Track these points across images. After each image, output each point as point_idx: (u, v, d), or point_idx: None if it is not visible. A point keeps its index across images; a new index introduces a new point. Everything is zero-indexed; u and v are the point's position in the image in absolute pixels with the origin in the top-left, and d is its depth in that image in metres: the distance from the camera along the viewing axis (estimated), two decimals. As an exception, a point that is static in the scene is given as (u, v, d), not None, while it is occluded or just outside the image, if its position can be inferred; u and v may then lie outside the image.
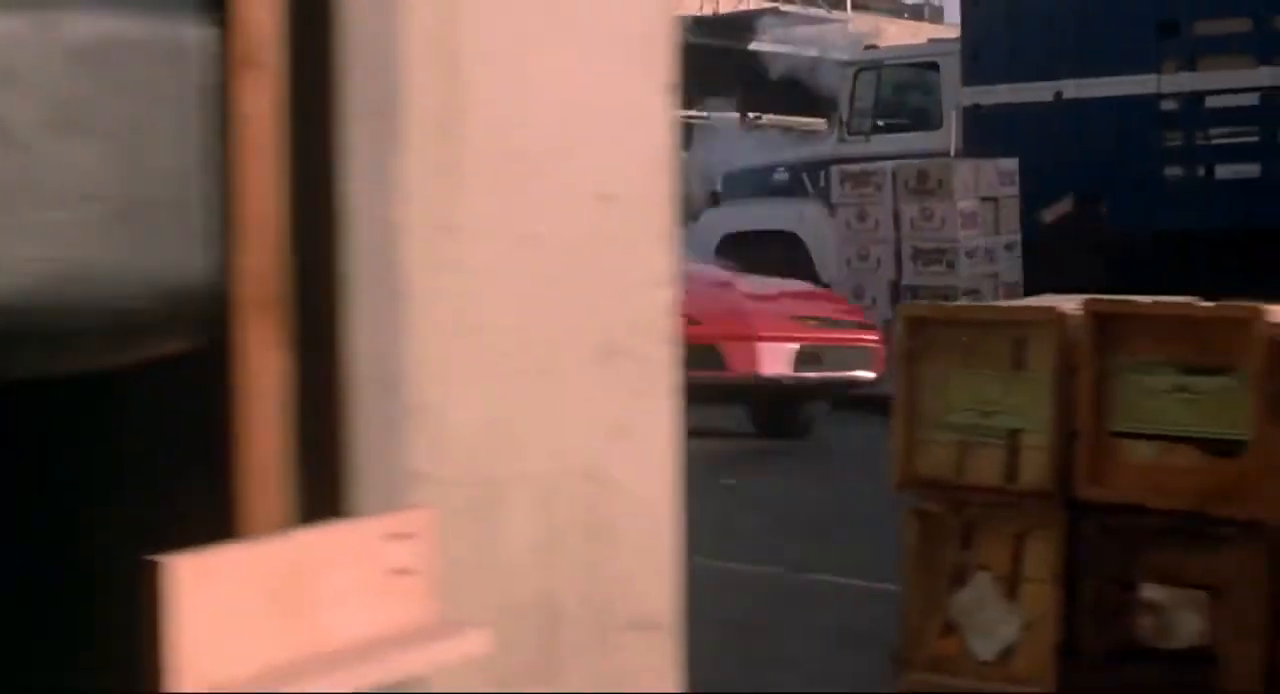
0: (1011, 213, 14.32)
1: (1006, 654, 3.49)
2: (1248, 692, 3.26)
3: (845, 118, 16.60)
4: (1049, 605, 3.41)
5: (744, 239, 16.69)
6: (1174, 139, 14.26)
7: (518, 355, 1.95)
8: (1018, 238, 14.29)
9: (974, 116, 15.31)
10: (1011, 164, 14.38)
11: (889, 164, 14.71)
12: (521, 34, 1.96)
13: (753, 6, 29.51)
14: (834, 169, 15.55)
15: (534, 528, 1.97)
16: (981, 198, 14.31)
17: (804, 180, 16.80)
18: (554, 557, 1.99)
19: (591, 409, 2.04)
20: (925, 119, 16.18)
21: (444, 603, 1.71)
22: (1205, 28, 14.22)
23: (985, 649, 3.54)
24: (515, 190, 1.95)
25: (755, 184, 17.42)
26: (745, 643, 5.36)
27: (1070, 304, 3.53)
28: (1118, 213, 14.01)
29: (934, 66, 16.06)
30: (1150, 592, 3.49)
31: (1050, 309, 3.50)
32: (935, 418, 3.54)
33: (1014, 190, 14.34)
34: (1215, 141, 14.17)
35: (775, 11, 28.90)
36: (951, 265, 14.20)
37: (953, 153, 15.55)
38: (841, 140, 16.58)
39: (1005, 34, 15.02)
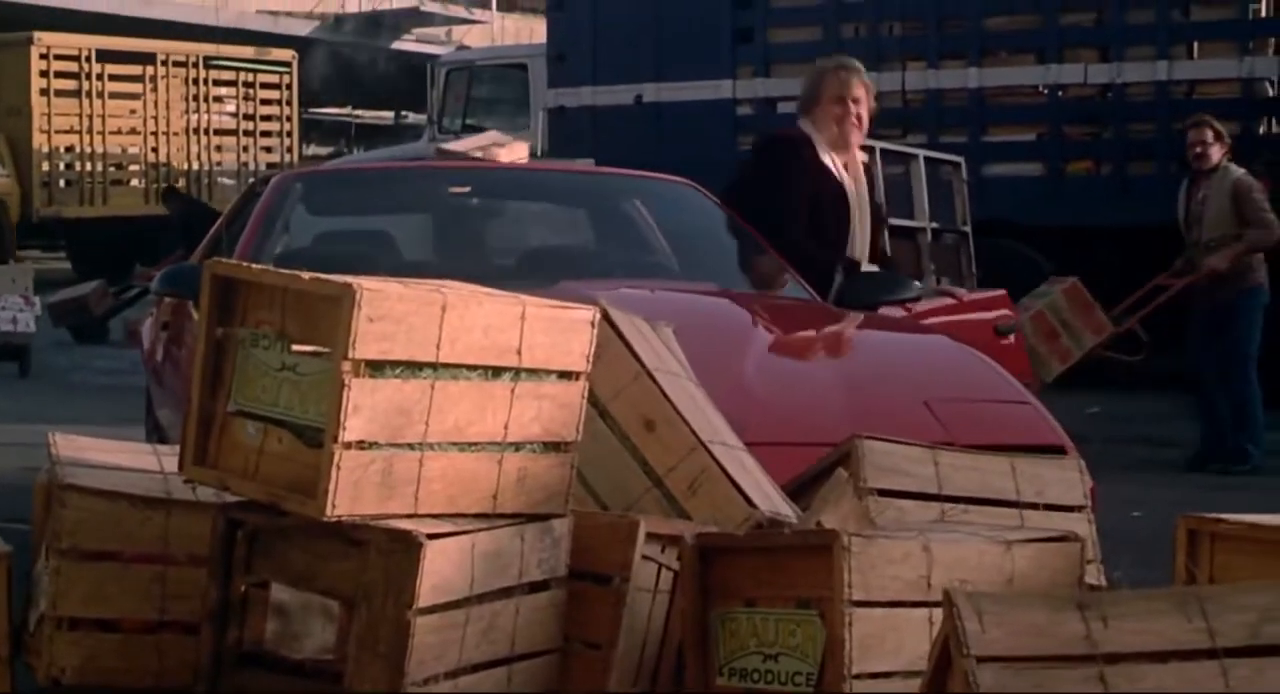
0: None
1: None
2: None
3: (436, 117, 16.37)
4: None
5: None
6: (748, 142, 14.26)
7: None
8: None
9: (559, 118, 15.20)
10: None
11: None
12: None
13: (395, 6, 29.21)
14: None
15: None
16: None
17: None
18: None
19: None
20: (515, 119, 16.03)
21: None
22: (778, 36, 14.29)
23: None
24: None
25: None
26: None
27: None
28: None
29: (523, 67, 15.93)
30: (280, 593, 3.26)
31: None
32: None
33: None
34: (787, 146, 14.23)
35: (417, 11, 28.65)
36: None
37: (539, 153, 15.43)
38: (433, 139, 16.32)
39: (589, 37, 14.92)
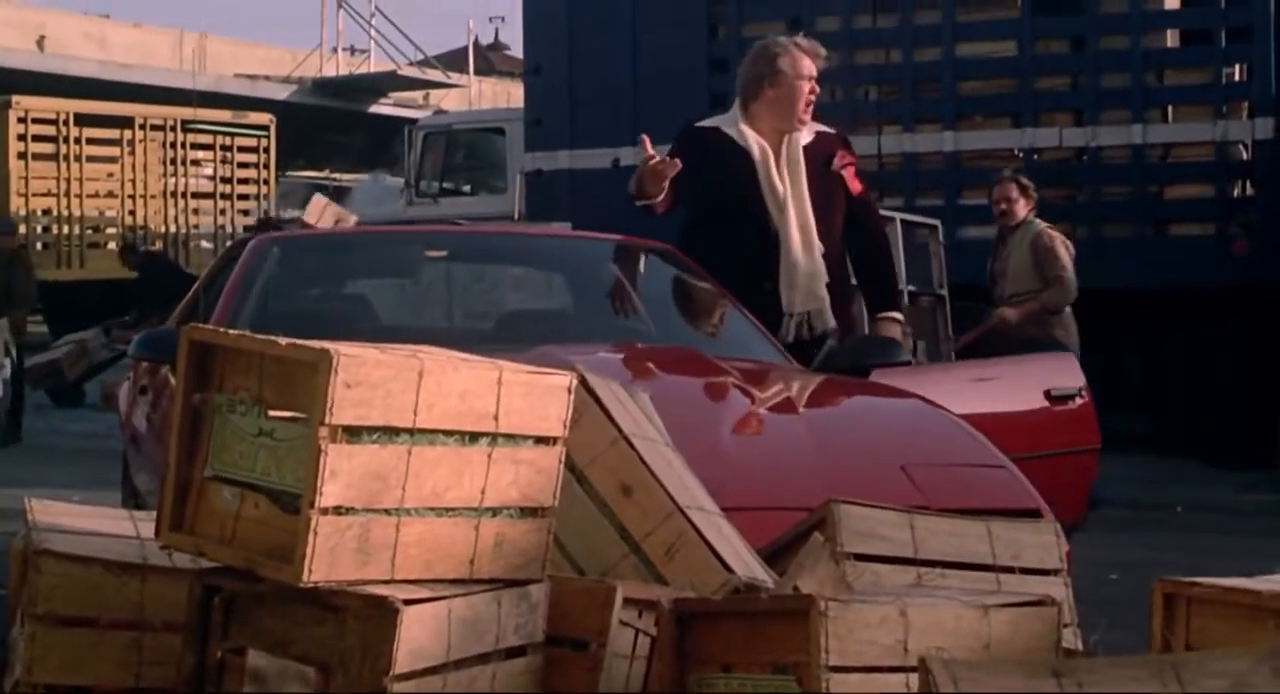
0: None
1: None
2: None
3: (413, 180, 16.40)
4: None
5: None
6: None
7: None
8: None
9: (536, 181, 15.25)
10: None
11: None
12: None
13: (373, 70, 29.31)
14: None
15: None
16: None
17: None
18: None
19: None
20: (492, 182, 16.07)
21: None
22: (756, 99, 14.35)
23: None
24: None
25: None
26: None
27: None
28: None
29: (500, 131, 15.99)
30: (257, 659, 3.25)
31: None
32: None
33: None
34: (764, 210, 14.28)
35: (394, 75, 28.74)
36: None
37: (516, 216, 15.50)
38: (410, 203, 16.37)
39: (567, 102, 15.00)
